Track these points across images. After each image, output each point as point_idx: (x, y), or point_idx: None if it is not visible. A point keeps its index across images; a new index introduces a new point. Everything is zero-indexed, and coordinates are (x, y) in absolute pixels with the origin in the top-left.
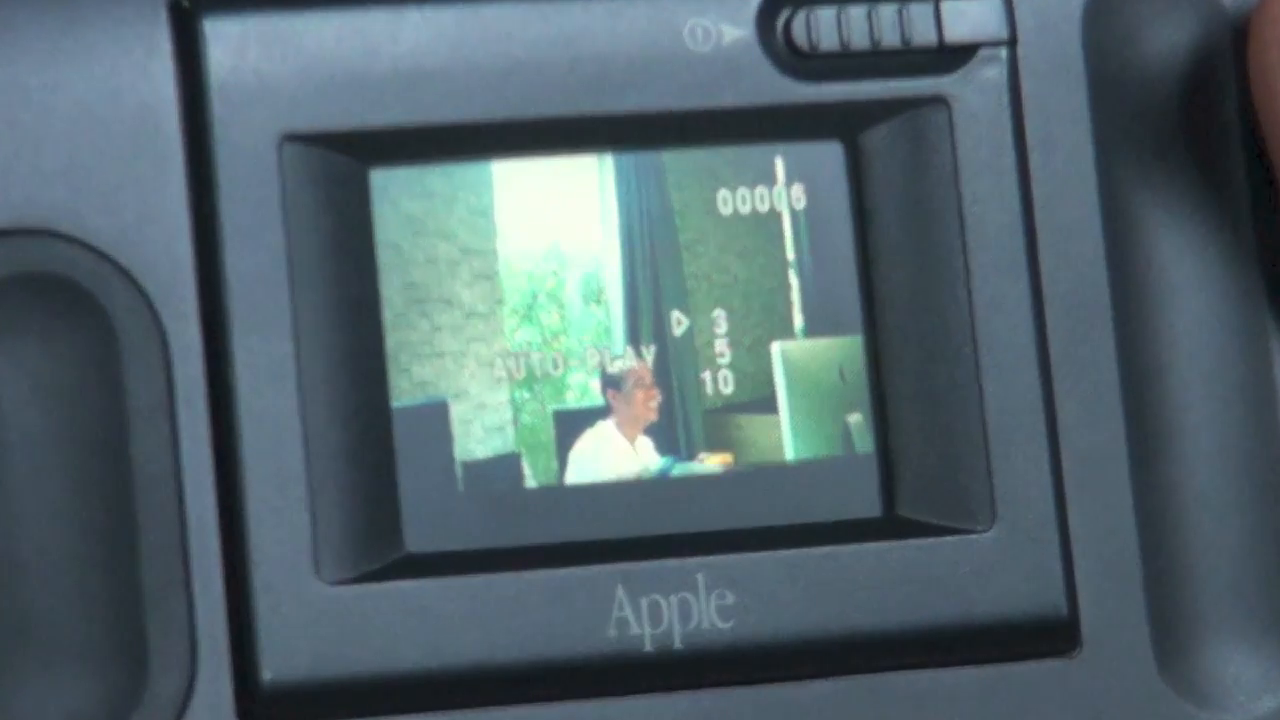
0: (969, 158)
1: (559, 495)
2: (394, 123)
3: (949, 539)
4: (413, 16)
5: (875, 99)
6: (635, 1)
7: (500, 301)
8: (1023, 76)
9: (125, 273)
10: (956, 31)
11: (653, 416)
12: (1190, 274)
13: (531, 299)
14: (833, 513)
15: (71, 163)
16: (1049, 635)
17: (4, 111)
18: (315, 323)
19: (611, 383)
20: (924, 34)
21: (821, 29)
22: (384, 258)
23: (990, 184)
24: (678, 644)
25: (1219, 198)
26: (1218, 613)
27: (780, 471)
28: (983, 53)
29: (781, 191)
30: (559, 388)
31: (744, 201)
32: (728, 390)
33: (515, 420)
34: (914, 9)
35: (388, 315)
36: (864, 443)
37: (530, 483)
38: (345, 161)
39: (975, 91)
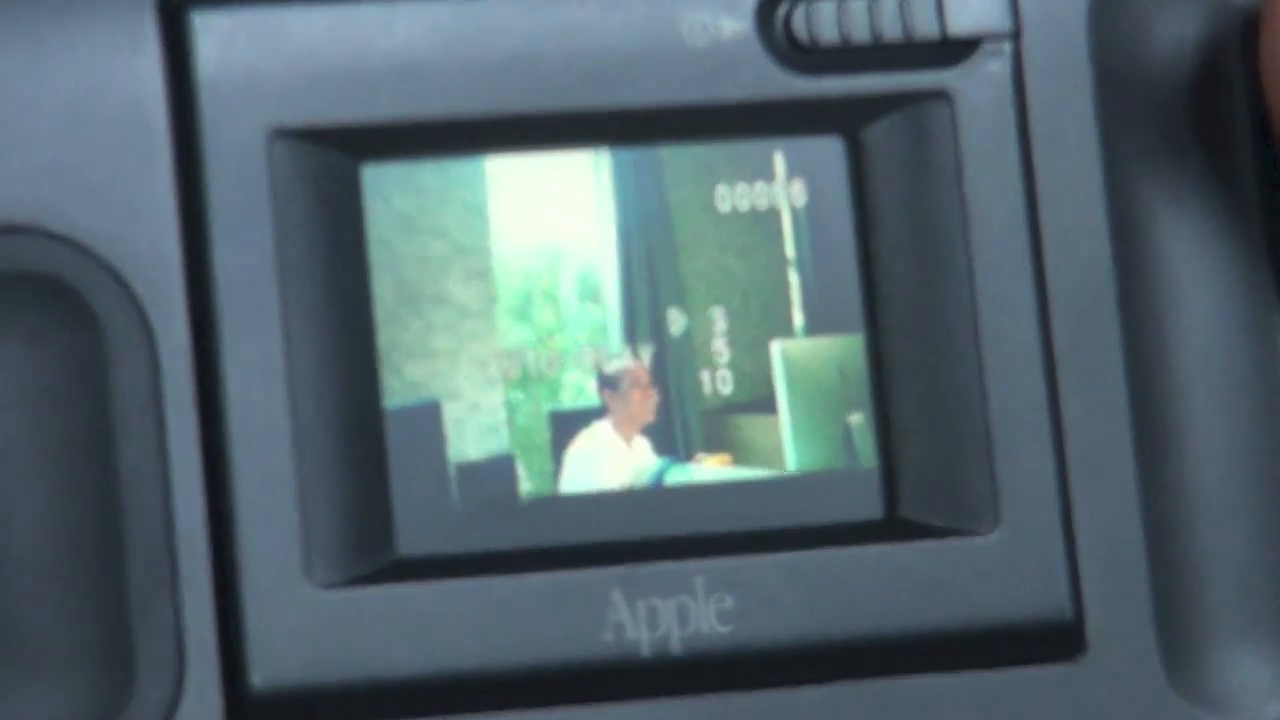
0: (972, 153)
1: (554, 497)
2: (386, 118)
3: (951, 542)
4: (404, 9)
5: (877, 93)
6: None
7: (494, 300)
8: (1027, 70)
9: (112, 270)
10: (959, 24)
11: (650, 417)
12: (1197, 272)
13: (526, 297)
14: (833, 515)
15: (58, 159)
16: (1054, 639)
17: None
18: (305, 321)
19: (608, 383)
20: (926, 27)
21: (822, 22)
22: (376, 255)
23: (994, 180)
24: (676, 649)
25: (1226, 193)
26: (1225, 616)
27: (779, 473)
28: (986, 46)
29: (781, 188)
30: (554, 388)
31: (743, 198)
32: (726, 390)
33: (510, 421)
34: (916, 1)
35: (379, 314)
36: (865, 443)
37: (525, 484)
38: (336, 157)
39: (978, 85)
